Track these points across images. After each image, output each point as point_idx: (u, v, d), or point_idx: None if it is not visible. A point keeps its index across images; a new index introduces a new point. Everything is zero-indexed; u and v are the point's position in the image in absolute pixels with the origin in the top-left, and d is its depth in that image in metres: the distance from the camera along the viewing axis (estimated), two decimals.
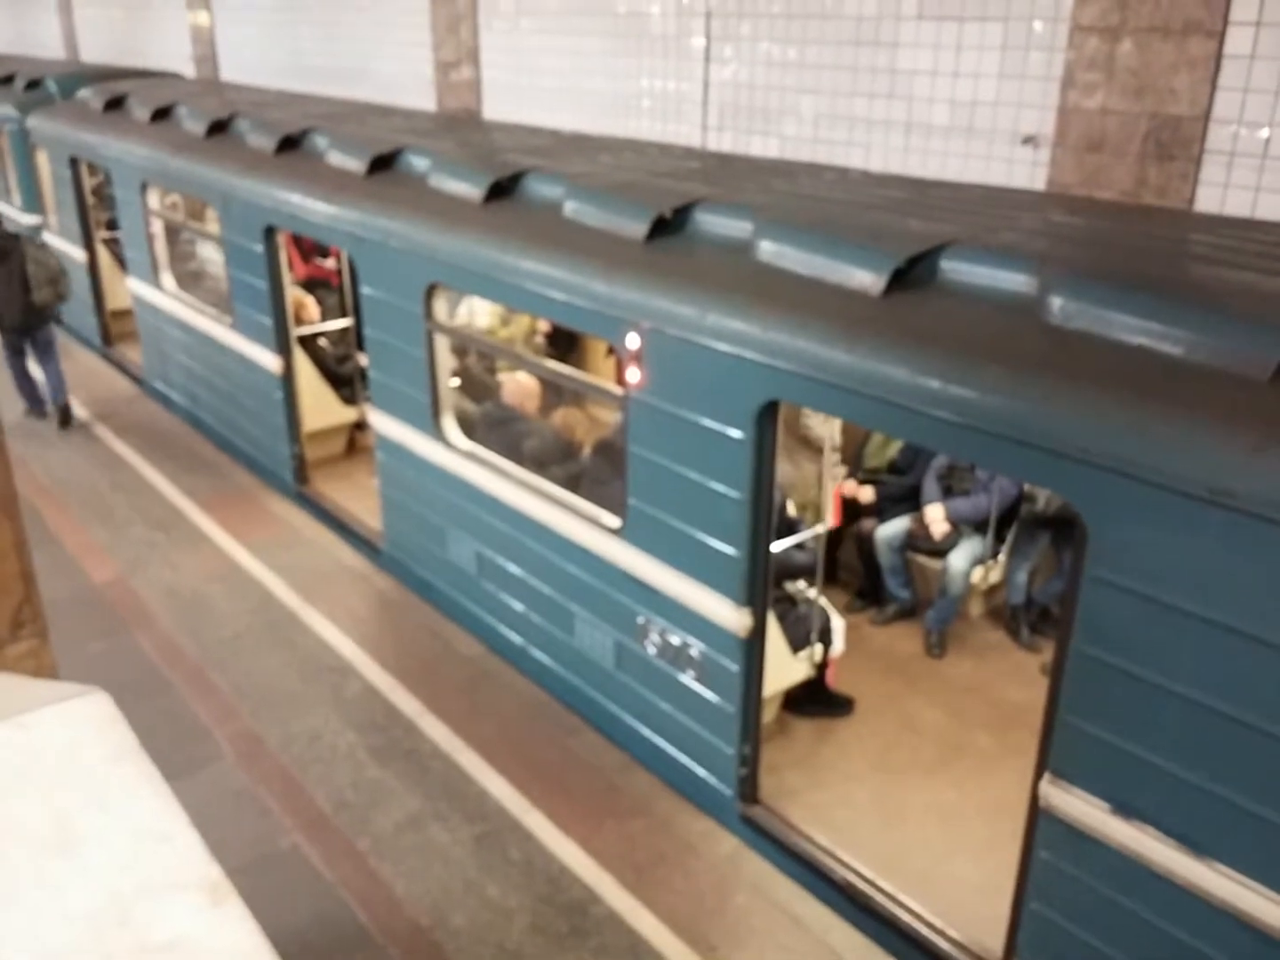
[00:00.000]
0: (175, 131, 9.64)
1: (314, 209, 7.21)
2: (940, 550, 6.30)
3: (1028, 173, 6.08)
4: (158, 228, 9.95)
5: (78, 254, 11.84)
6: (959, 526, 6.23)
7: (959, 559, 6.08)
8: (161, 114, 10.17)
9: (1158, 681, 3.40)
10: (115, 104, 11.08)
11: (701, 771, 5.37)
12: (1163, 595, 3.32)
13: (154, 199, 9.84)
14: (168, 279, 10.06)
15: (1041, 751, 3.86)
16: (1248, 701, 3.20)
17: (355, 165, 7.38)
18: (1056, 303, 3.82)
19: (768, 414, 4.50)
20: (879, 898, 4.71)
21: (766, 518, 4.71)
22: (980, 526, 6.21)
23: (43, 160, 12.46)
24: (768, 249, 4.78)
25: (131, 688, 6.21)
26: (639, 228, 5.27)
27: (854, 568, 7.01)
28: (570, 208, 5.75)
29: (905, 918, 4.61)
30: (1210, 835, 3.39)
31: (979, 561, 6.15)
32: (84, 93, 11.90)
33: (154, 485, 8.99)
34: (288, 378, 8.36)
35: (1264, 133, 5.20)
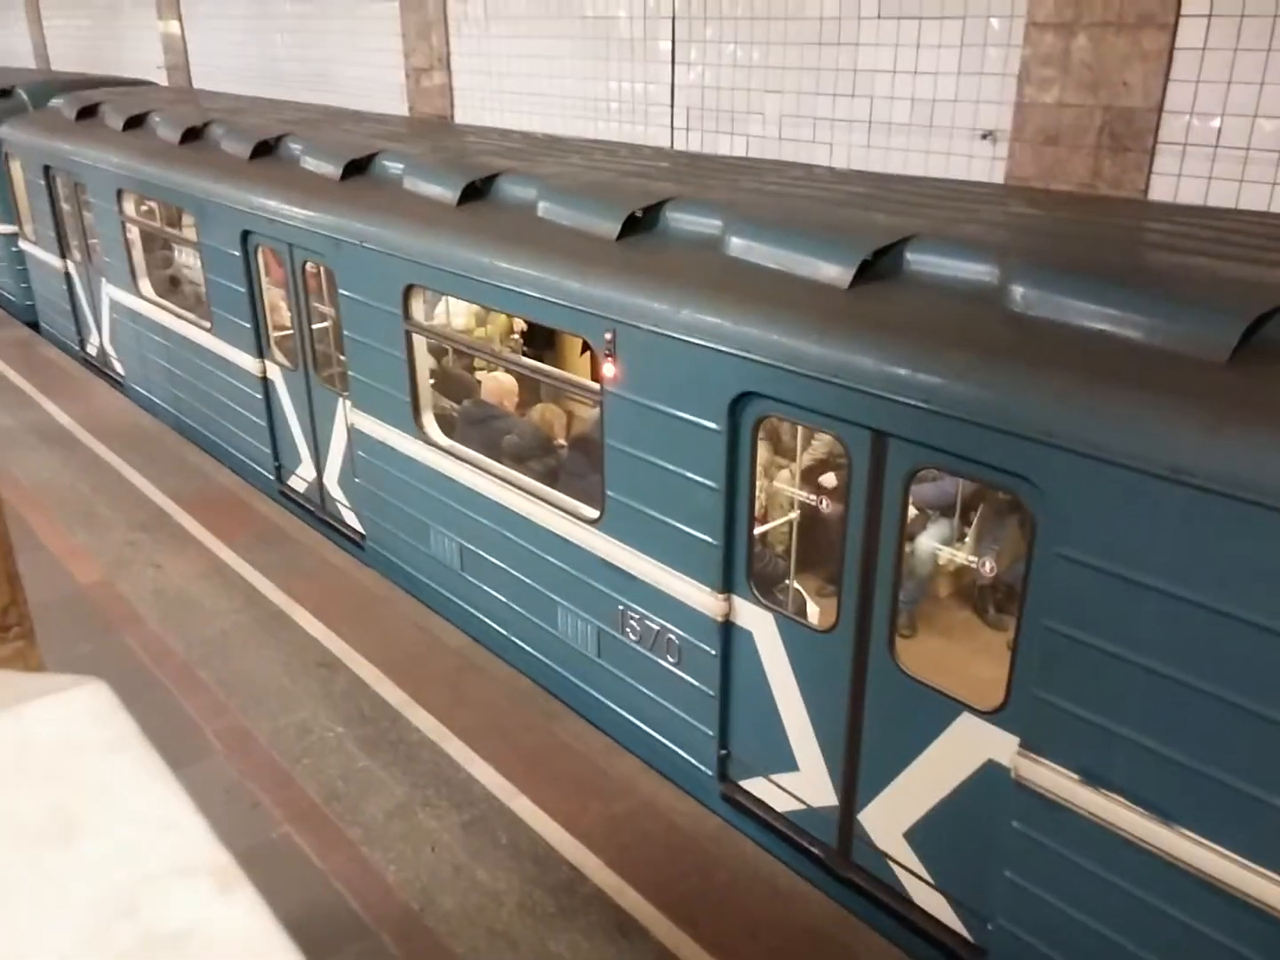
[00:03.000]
0: (149, 139, 9.70)
1: (290, 213, 7.31)
2: (909, 533, 6.44)
3: (987, 167, 6.26)
4: (135, 235, 10.00)
5: (55, 262, 11.87)
6: (926, 511, 6.40)
7: (927, 541, 6.26)
8: (135, 122, 10.23)
9: (1122, 654, 3.54)
10: (88, 112, 11.12)
11: (683, 753, 5.52)
12: (1125, 570, 3.46)
13: (130, 206, 9.90)
14: (146, 285, 10.12)
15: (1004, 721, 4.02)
16: (1208, 671, 3.34)
17: (330, 170, 7.48)
18: (1018, 291, 3.97)
19: (741, 405, 4.64)
20: (854, 872, 4.87)
21: (745, 506, 4.85)
22: (947, 510, 6.38)
23: (16, 170, 12.47)
24: (737, 245, 4.92)
25: (120, 686, 6.14)
26: (611, 227, 5.40)
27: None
28: (543, 208, 5.88)
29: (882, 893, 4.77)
30: (1176, 802, 3.54)
31: (946, 543, 6.33)
32: (56, 102, 11.93)
33: (137, 487, 9.06)
34: (267, 379, 8.45)
35: (1215, 123, 5.39)
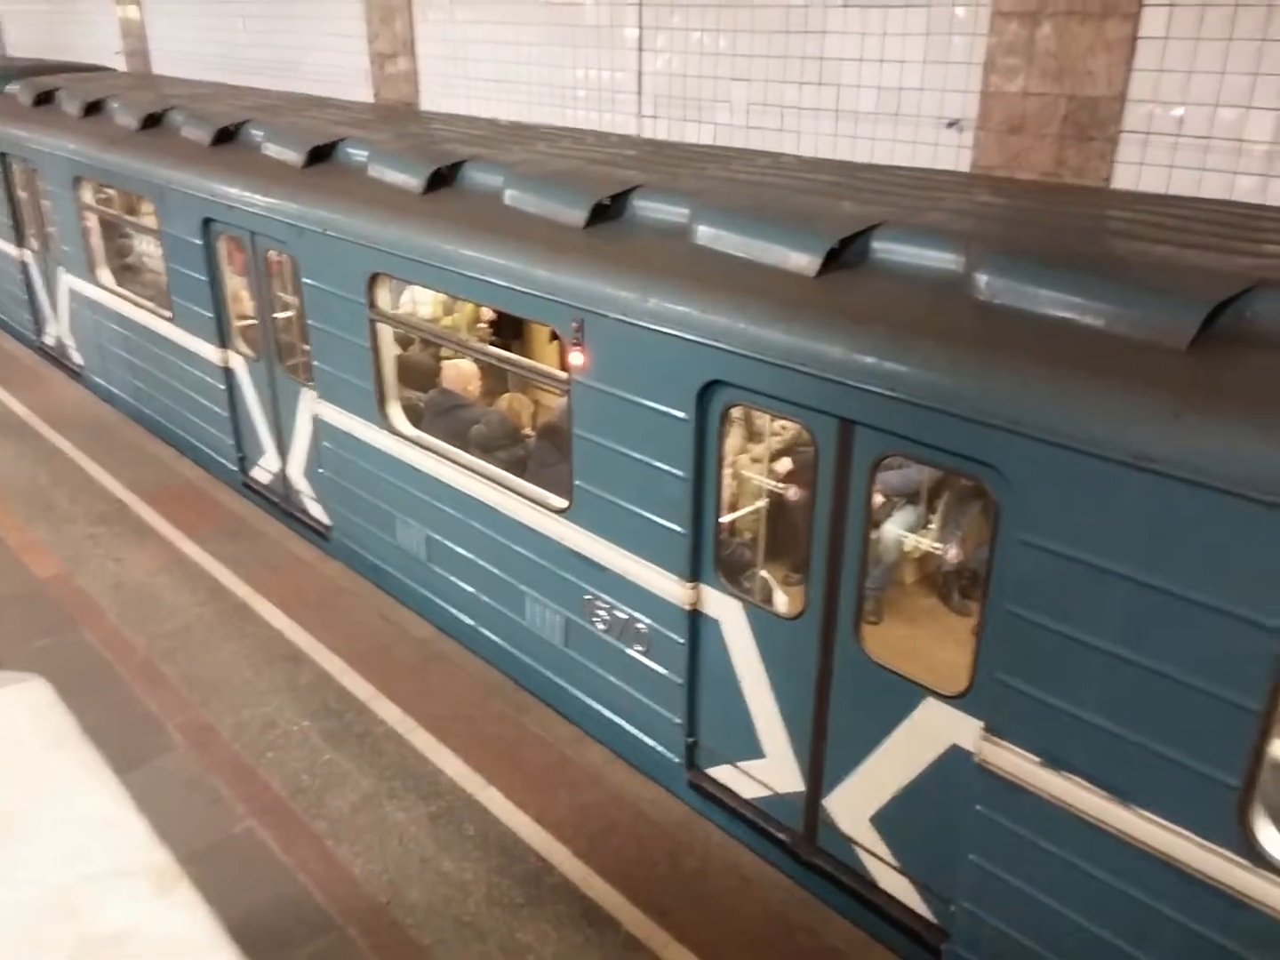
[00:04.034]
0: (108, 125, 9.54)
1: (252, 201, 7.21)
2: (875, 521, 6.48)
3: (953, 155, 6.28)
4: (93, 223, 9.84)
5: (11, 251, 11.67)
6: (892, 498, 6.45)
7: (892, 528, 6.30)
8: (93, 108, 10.06)
9: (1083, 638, 3.57)
10: (45, 98, 10.93)
11: (650, 741, 5.52)
12: (1087, 556, 3.49)
13: (88, 194, 9.74)
14: (105, 274, 9.96)
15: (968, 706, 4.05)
16: (1166, 655, 3.38)
17: (293, 157, 7.39)
18: (983, 280, 3.99)
19: (709, 394, 4.63)
20: (820, 857, 4.90)
21: (713, 495, 4.84)
22: (912, 497, 6.43)
23: None
24: (705, 233, 4.91)
25: (79, 682, 6.21)
26: (578, 214, 5.37)
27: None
28: (510, 196, 5.83)
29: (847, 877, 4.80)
30: (1134, 783, 3.58)
31: (912, 530, 6.37)
32: (12, 88, 11.70)
33: (96, 479, 8.92)
34: (229, 369, 8.35)
35: (1177, 111, 5.44)
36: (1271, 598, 3.11)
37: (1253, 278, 3.57)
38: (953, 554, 5.09)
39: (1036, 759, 3.82)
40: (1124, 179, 5.67)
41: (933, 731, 4.24)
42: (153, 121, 9.16)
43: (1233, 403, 3.19)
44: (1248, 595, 3.15)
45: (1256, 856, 3.33)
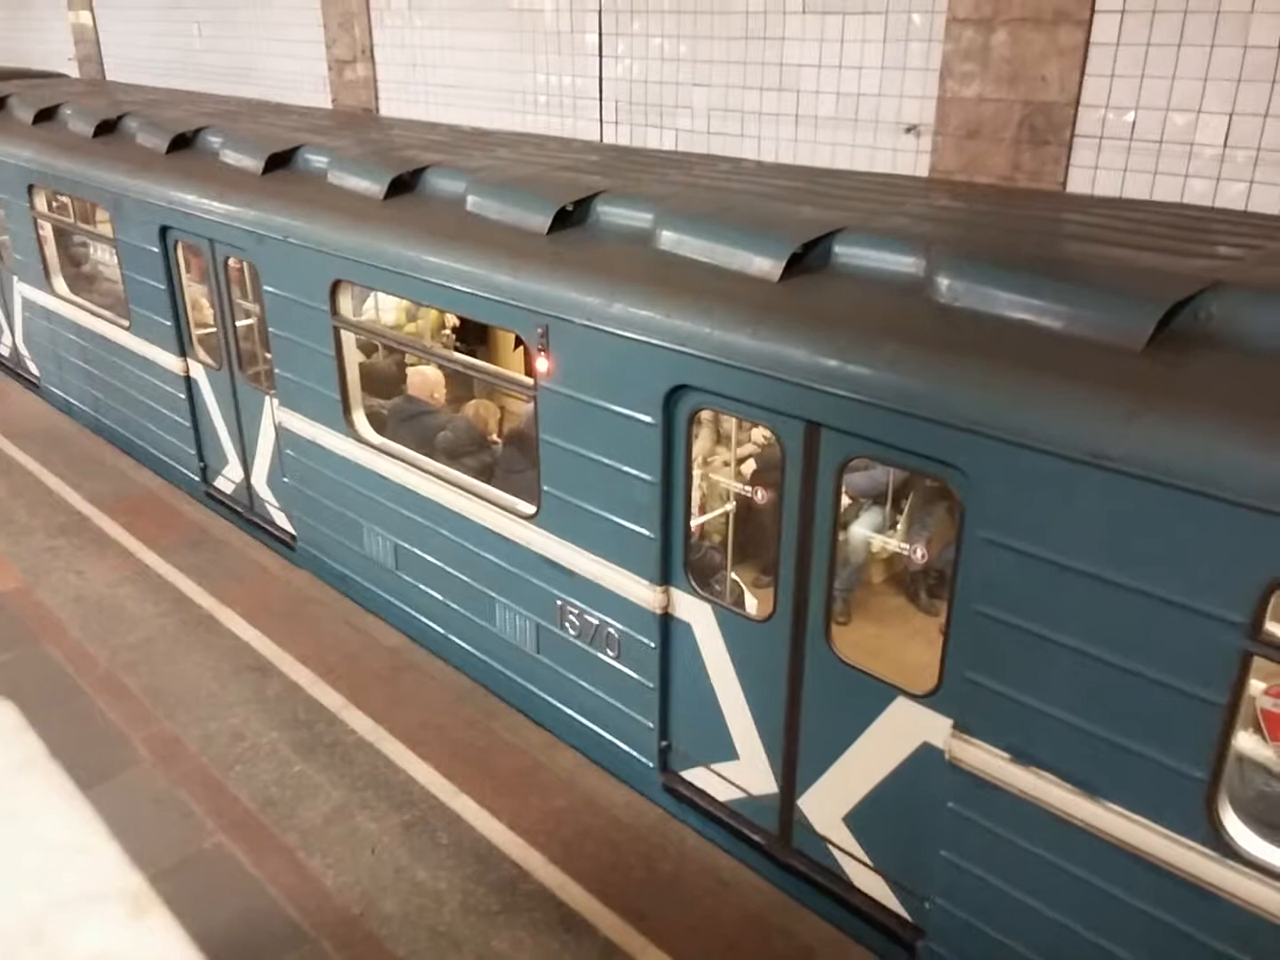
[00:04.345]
0: (61, 132, 9.41)
1: (210, 208, 7.14)
2: (843, 522, 6.55)
3: (911, 160, 6.35)
4: (48, 231, 9.69)
5: None
6: (858, 499, 6.51)
7: (860, 529, 6.36)
8: (46, 114, 9.90)
9: (1048, 635, 3.62)
10: None
11: (623, 745, 5.53)
12: (1049, 554, 3.55)
13: (42, 202, 9.59)
14: (60, 283, 9.81)
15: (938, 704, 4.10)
16: (1129, 650, 3.44)
17: (251, 164, 7.33)
18: (943, 283, 4.04)
19: (675, 398, 4.66)
20: (795, 857, 4.93)
21: (682, 499, 4.86)
22: (879, 498, 6.49)
23: None
24: (668, 238, 4.93)
25: (41, 697, 6.11)
26: (542, 220, 5.38)
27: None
28: (473, 202, 5.83)
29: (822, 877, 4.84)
30: (1102, 777, 3.64)
31: (879, 531, 6.43)
32: None
33: (55, 491, 8.80)
34: (190, 378, 8.26)
35: (1130, 116, 5.53)
36: (1231, 592, 3.17)
37: (1207, 279, 3.64)
38: (919, 554, 5.14)
39: (1006, 755, 3.87)
40: (1079, 183, 5.77)
41: (903, 730, 4.28)
42: (107, 128, 9.04)
43: (1188, 402, 3.26)
44: (1208, 590, 3.21)
45: (1224, 848, 3.40)
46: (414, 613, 6.76)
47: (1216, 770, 3.36)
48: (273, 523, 8.03)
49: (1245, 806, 3.53)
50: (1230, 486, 3.08)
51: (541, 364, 5.15)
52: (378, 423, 6.92)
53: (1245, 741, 3.86)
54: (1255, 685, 3.75)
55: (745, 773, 5.03)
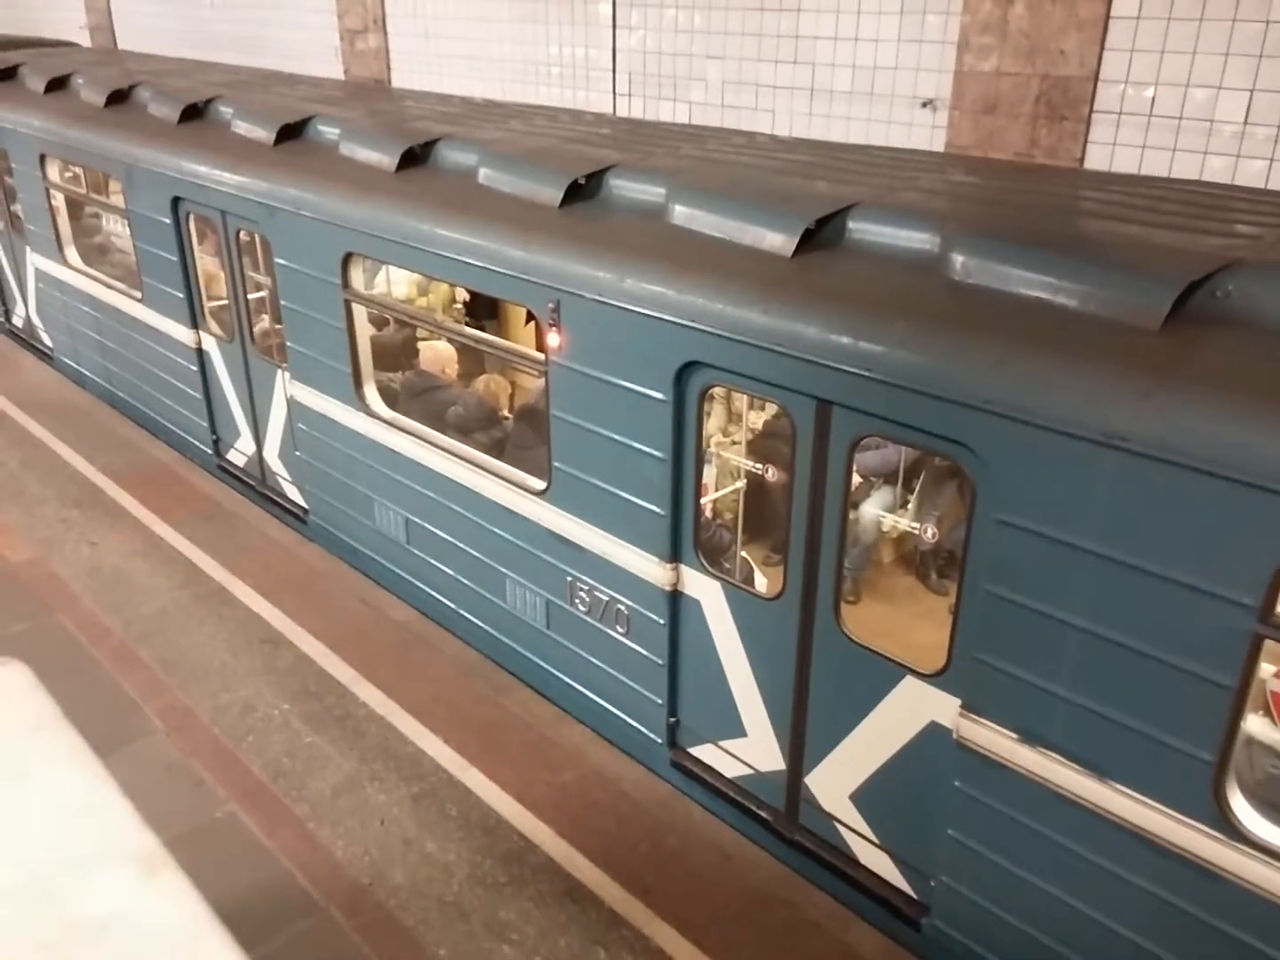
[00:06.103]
0: (73, 102, 9.38)
1: (222, 179, 7.12)
2: (853, 501, 6.53)
3: (927, 135, 6.29)
4: (60, 201, 9.68)
5: None
6: (869, 478, 6.49)
7: (870, 508, 6.35)
8: (57, 84, 9.88)
9: (1059, 616, 3.61)
10: (8, 74, 10.71)
11: (632, 721, 5.55)
12: (1061, 535, 3.53)
13: (54, 172, 9.58)
14: (73, 254, 9.82)
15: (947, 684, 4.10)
16: (1140, 631, 3.43)
17: (263, 135, 7.30)
18: (958, 260, 4.01)
19: (687, 374, 4.64)
20: (801, 834, 4.96)
21: (692, 476, 4.85)
22: (890, 477, 6.47)
23: None
24: (681, 213, 4.90)
25: (55, 666, 6.15)
26: (554, 194, 5.35)
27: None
28: (485, 175, 5.79)
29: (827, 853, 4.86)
30: (1110, 758, 3.63)
31: (889, 510, 6.42)
32: None
33: (69, 463, 8.83)
34: (202, 351, 8.27)
35: (1149, 92, 5.46)
36: (1242, 574, 3.16)
37: (1224, 258, 3.60)
38: (930, 534, 5.13)
39: (1014, 735, 3.87)
40: (1097, 159, 5.70)
41: (911, 709, 4.29)
42: (119, 98, 9.01)
43: (1204, 383, 3.23)
44: (1219, 572, 3.20)
45: (1231, 830, 3.40)
46: (425, 587, 6.78)
47: (1225, 753, 3.35)
48: (285, 496, 8.05)
49: (1253, 789, 3.53)
50: (1245, 468, 3.06)
51: (553, 339, 5.14)
52: (389, 397, 6.92)
53: (1254, 724, 3.86)
54: (1265, 668, 3.74)
55: (753, 750, 5.05)
